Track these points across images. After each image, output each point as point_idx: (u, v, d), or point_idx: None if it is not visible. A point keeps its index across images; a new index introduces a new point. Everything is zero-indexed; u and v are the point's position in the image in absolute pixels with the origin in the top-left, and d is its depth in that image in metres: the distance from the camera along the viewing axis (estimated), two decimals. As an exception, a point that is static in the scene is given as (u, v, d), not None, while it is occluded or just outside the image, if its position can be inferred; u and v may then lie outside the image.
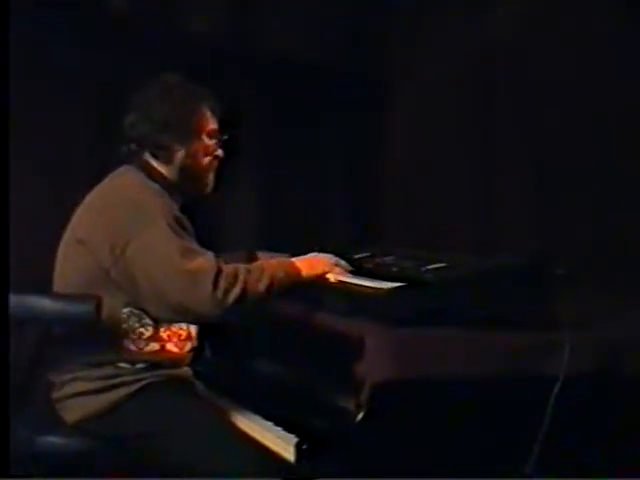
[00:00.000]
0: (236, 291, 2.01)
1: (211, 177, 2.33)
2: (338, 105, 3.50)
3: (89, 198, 2.24)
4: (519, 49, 2.82)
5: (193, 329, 2.27)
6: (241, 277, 2.03)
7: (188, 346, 2.26)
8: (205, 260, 2.04)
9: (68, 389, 2.15)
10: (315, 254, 2.23)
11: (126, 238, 2.06)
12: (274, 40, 3.29)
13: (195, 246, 2.09)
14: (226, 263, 2.07)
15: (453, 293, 2.07)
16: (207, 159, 2.30)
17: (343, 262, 2.27)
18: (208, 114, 2.30)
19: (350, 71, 3.40)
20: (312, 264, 2.18)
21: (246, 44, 3.25)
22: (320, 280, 2.19)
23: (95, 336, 2.11)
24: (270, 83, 3.36)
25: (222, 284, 2.00)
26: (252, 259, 2.49)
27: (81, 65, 2.98)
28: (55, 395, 2.17)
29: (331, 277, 2.21)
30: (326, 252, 2.28)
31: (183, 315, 2.09)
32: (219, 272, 2.01)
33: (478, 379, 2.00)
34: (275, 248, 2.50)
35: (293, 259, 2.18)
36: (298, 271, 2.15)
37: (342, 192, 3.58)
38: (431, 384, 1.96)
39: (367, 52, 3.41)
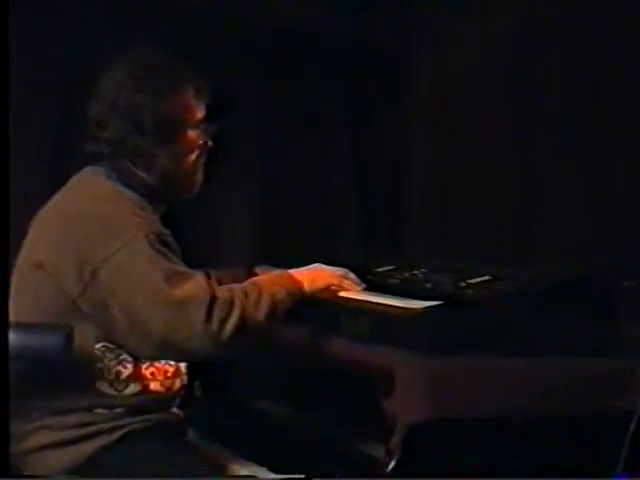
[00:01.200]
0: (233, 321, 1.96)
1: (199, 175, 2.26)
2: (351, 87, 3.47)
3: (47, 210, 2.16)
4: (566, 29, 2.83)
5: (182, 364, 2.21)
6: (237, 303, 1.98)
7: (176, 385, 2.20)
8: (195, 285, 1.98)
9: (32, 441, 2.10)
10: (317, 265, 2.21)
11: (97, 260, 2.00)
12: (273, 5, 3.23)
13: (182, 267, 2.04)
14: (219, 283, 2.05)
15: (500, 313, 2.02)
16: (194, 155, 2.23)
17: (352, 275, 2.24)
18: (193, 101, 2.21)
19: (367, 53, 3.41)
20: (313, 276, 2.16)
21: (238, 9, 3.20)
22: (334, 298, 2.17)
23: (64, 376, 2.03)
24: (271, 58, 3.30)
25: (217, 314, 1.95)
26: (250, 276, 2.41)
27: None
28: (16, 449, 2.07)
29: (348, 294, 2.18)
30: (340, 266, 2.25)
31: (169, 352, 2.05)
32: (213, 299, 1.96)
33: (533, 418, 1.95)
34: (278, 262, 2.41)
35: (291, 271, 2.15)
36: (300, 286, 2.12)
37: (358, 193, 3.52)
38: (476, 425, 1.93)
39: (386, 34, 3.40)
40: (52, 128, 3.01)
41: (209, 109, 2.24)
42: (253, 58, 3.31)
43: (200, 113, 2.22)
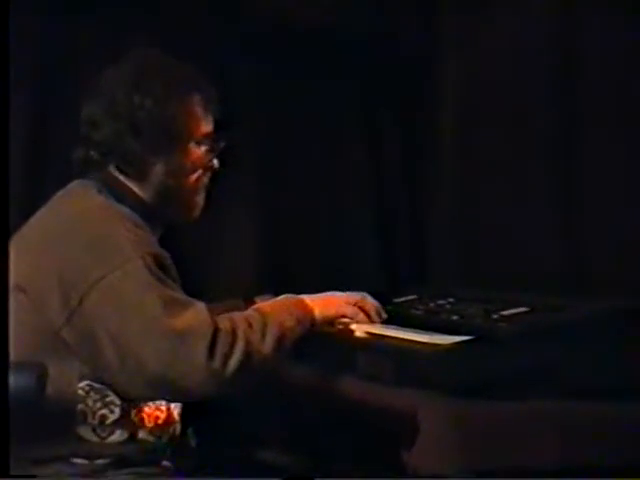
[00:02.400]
0: (237, 356, 1.93)
1: (201, 197, 2.24)
2: (372, 96, 3.47)
3: (28, 228, 2.14)
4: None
5: (175, 409, 2.17)
6: (241, 334, 1.95)
7: (168, 433, 2.15)
8: (197, 315, 1.96)
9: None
10: (331, 293, 2.20)
11: (85, 285, 1.97)
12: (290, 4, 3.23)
13: (181, 295, 2.01)
14: (217, 314, 2.02)
15: (539, 350, 2.00)
16: (196, 175, 2.21)
17: (371, 300, 2.23)
18: (200, 112, 2.19)
19: (388, 70, 3.40)
20: (327, 302, 2.16)
21: (252, 7, 3.19)
22: (349, 331, 2.17)
23: (39, 421, 1.98)
24: (285, 64, 3.29)
25: (220, 349, 1.92)
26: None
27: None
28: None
29: (364, 328, 2.18)
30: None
31: (164, 391, 2.00)
32: (216, 332, 1.93)
33: (578, 471, 1.90)
34: (285, 292, 2.36)
35: (302, 296, 2.14)
36: (311, 312, 2.11)
37: (376, 213, 3.50)
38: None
39: (412, 35, 3.40)
40: (33, 136, 3.02)
41: (218, 124, 2.23)
42: (268, 71, 3.32)
43: (207, 127, 2.21)
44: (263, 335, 1.98)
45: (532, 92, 3.01)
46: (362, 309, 2.19)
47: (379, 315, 2.22)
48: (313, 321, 2.09)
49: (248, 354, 1.94)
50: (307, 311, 2.09)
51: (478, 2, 3.20)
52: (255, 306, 2.15)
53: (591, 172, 2.84)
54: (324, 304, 2.13)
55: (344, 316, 2.16)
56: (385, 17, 3.35)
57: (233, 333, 1.94)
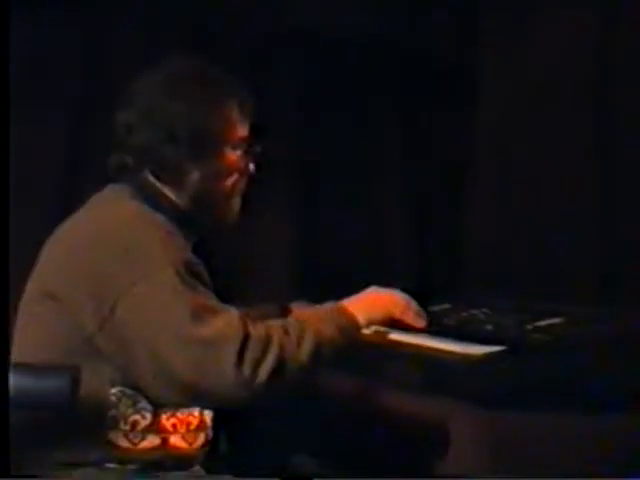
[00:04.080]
0: (269, 363, 1.91)
1: (236, 202, 2.23)
2: (407, 100, 3.49)
3: (61, 234, 2.14)
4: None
5: (207, 415, 2.16)
6: (275, 341, 1.94)
7: (200, 439, 2.14)
8: (227, 321, 1.96)
9: (34, 499, 2.10)
10: (372, 289, 2.17)
11: (117, 292, 1.97)
12: (329, 10, 3.24)
13: (213, 302, 2.00)
14: (253, 321, 2.01)
15: (575, 361, 2.00)
16: (232, 179, 2.20)
17: (414, 303, 2.20)
18: (236, 116, 2.18)
19: (427, 84, 3.44)
20: (370, 305, 2.12)
21: (294, 13, 3.21)
22: (382, 340, 2.16)
23: (70, 425, 2.00)
24: (321, 68, 3.33)
25: (250, 355, 1.91)
26: (286, 314, 2.40)
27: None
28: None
29: (397, 335, 2.17)
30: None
31: (197, 399, 2.00)
32: (246, 338, 1.92)
33: None
34: (317, 298, 2.36)
35: (343, 302, 2.11)
36: (353, 319, 2.07)
37: (410, 219, 3.52)
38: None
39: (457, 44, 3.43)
40: (68, 142, 3.05)
41: (253, 128, 2.22)
42: (302, 77, 3.35)
43: (243, 131, 2.20)
44: (299, 342, 1.97)
45: (567, 101, 3.01)
46: (408, 308, 2.17)
47: (423, 319, 2.18)
48: (357, 327, 2.07)
49: (282, 361, 1.92)
50: (349, 318, 2.06)
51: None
52: (294, 314, 2.14)
53: (628, 180, 2.83)
54: (368, 306, 2.11)
55: (392, 317, 2.13)
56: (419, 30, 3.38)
57: (267, 339, 1.93)
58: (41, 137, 2.98)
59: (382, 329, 2.15)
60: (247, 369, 1.90)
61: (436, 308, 2.40)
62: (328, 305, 2.11)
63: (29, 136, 2.90)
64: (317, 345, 1.98)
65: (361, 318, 2.07)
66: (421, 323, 2.17)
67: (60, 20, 2.99)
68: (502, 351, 1.99)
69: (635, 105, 2.82)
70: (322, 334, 2.00)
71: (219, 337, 1.92)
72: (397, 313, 2.13)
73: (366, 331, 2.12)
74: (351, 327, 2.06)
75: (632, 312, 2.22)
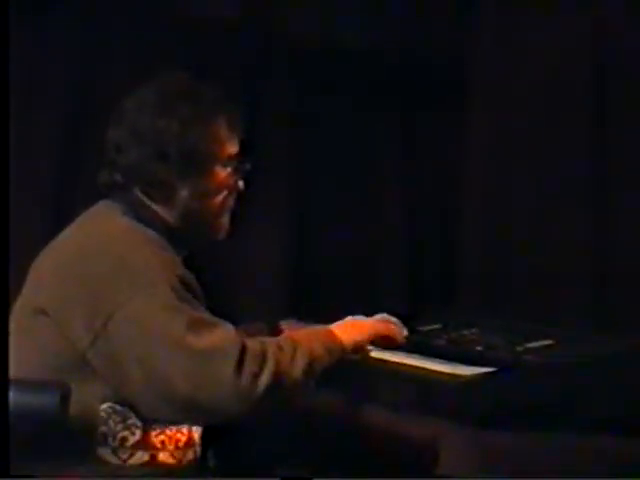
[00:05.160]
0: (266, 376, 1.93)
1: (226, 218, 2.24)
2: (400, 114, 3.50)
3: (51, 250, 2.14)
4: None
5: (196, 432, 2.16)
6: (271, 356, 1.95)
7: (188, 456, 2.13)
8: (223, 335, 1.97)
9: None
10: (354, 318, 2.20)
11: (110, 307, 1.97)
12: (317, 23, 3.24)
13: (208, 316, 2.01)
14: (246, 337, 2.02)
15: (565, 383, 2.00)
16: (221, 196, 2.20)
17: (394, 319, 2.24)
18: (225, 133, 2.19)
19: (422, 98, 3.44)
20: (355, 329, 2.15)
21: (279, 28, 3.20)
22: (372, 360, 2.17)
23: (60, 441, 1.97)
24: (310, 80, 3.31)
25: (248, 367, 1.92)
26: (275, 332, 2.42)
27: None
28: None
29: (387, 356, 2.19)
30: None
31: (193, 414, 2.01)
32: (243, 351, 1.93)
33: None
34: (307, 316, 2.44)
35: (330, 326, 2.13)
36: (339, 342, 2.10)
37: (401, 239, 3.51)
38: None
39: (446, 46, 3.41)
40: (57, 158, 3.03)
41: (242, 145, 2.23)
42: (293, 90, 3.33)
43: (232, 148, 2.20)
44: (293, 358, 1.98)
45: (564, 112, 3.02)
46: (389, 326, 2.20)
47: (404, 333, 2.22)
48: (343, 351, 2.09)
49: (278, 375, 1.94)
50: (336, 342, 2.08)
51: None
52: (284, 334, 2.16)
53: (622, 201, 2.85)
54: (353, 331, 2.13)
55: (374, 340, 2.16)
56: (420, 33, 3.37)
57: (262, 353, 1.94)
58: (33, 150, 2.98)
59: (374, 351, 2.17)
60: (245, 381, 1.90)
61: (427, 328, 2.40)
62: (317, 328, 2.13)
63: (22, 149, 2.91)
64: (309, 362, 2.00)
65: (347, 342, 2.09)
66: (403, 337, 2.21)
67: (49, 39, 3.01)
68: (491, 372, 1.99)
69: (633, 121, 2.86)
70: (313, 353, 2.01)
71: (217, 350, 1.92)
72: (380, 330, 2.16)
73: (356, 355, 2.13)
74: (339, 350, 2.07)
75: (623, 335, 2.22)
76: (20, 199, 2.71)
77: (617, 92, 2.90)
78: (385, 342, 2.20)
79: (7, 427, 1.84)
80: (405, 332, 2.23)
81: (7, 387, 1.86)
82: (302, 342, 2.03)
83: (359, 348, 2.13)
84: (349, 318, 2.19)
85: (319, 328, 2.13)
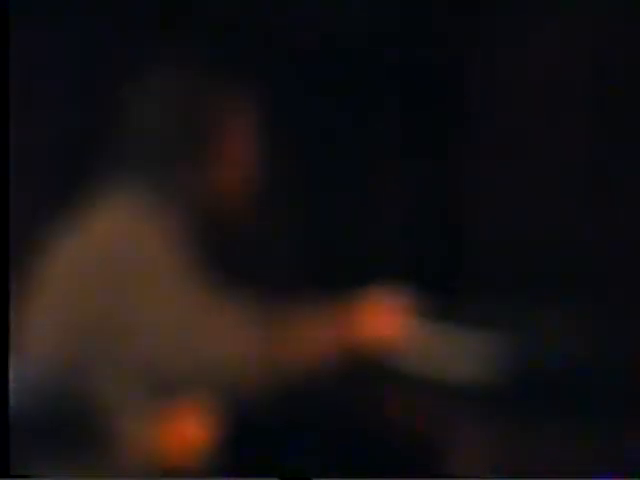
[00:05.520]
0: (273, 361, 2.01)
1: (236, 210, 2.26)
2: (405, 109, 3.48)
3: (59, 247, 2.15)
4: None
5: (196, 429, 2.16)
6: (276, 347, 2.02)
7: (189, 453, 2.15)
8: (234, 318, 2.04)
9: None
10: (359, 308, 2.20)
11: (118, 295, 2.04)
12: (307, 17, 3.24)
13: (219, 300, 2.06)
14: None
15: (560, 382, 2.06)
16: (230, 189, 2.23)
17: (395, 317, 2.23)
18: (233, 127, 2.21)
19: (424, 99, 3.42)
20: (353, 326, 2.16)
21: (293, 24, 3.22)
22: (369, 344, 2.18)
23: (60, 435, 2.05)
24: (316, 80, 3.33)
25: (255, 349, 2.00)
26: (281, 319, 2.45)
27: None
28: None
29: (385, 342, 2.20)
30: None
31: (201, 395, 2.03)
32: (252, 334, 2.01)
33: None
34: (314, 298, 2.40)
35: (336, 319, 2.16)
36: (348, 336, 2.13)
37: (400, 238, 3.48)
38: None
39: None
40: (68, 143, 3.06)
41: (250, 139, 2.24)
42: (301, 89, 3.35)
43: (240, 142, 2.22)
44: (298, 349, 2.04)
45: (565, 118, 3.01)
46: (391, 319, 2.20)
47: (402, 335, 2.23)
48: (350, 343, 2.11)
49: (284, 362, 2.01)
50: (348, 329, 2.12)
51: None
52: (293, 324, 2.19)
53: (620, 199, 2.84)
54: (353, 329, 2.15)
55: (380, 330, 2.17)
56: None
57: (270, 338, 2.01)
58: (38, 142, 3.02)
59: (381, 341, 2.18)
60: (252, 363, 1.97)
61: (427, 324, 2.38)
62: (323, 322, 2.14)
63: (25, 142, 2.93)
64: (316, 355, 2.05)
65: (349, 339, 2.11)
66: (404, 339, 2.21)
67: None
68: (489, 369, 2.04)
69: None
70: (319, 345, 2.06)
71: (226, 333, 1.99)
72: (382, 330, 2.16)
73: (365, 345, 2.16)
74: (349, 337, 2.11)
75: (623, 326, 2.27)
76: (18, 198, 2.77)
77: (617, 92, 2.88)
78: (385, 339, 2.20)
79: (7, 427, 1.86)
80: (404, 329, 2.22)
81: (7, 387, 1.87)
82: (309, 331, 2.07)
83: (367, 339, 2.14)
84: (348, 312, 2.18)
85: (330, 315, 2.14)
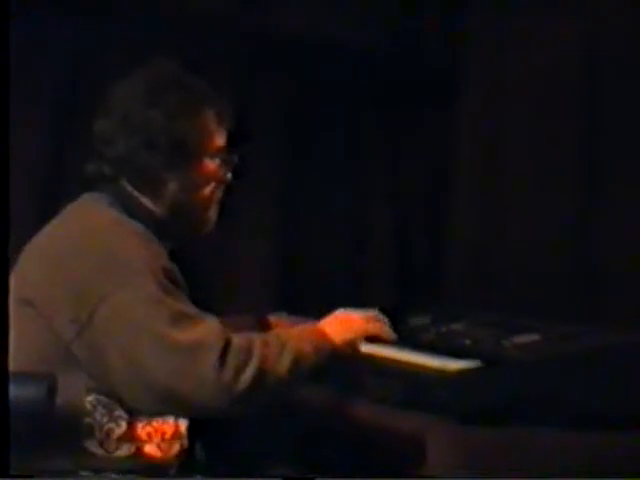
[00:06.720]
0: (250, 372, 1.93)
1: (213, 211, 2.25)
2: (390, 112, 3.50)
3: (37, 242, 2.15)
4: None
5: (182, 424, 2.17)
6: (256, 352, 1.96)
7: (175, 448, 2.15)
8: (207, 329, 1.98)
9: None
10: (342, 311, 2.19)
11: (95, 299, 1.98)
12: (306, 17, 3.22)
13: (193, 309, 2.02)
14: (232, 331, 2.02)
15: (551, 378, 1.99)
16: (209, 188, 2.21)
17: (383, 318, 2.24)
18: (214, 125, 2.20)
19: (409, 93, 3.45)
20: (344, 327, 2.14)
21: (268, 21, 3.19)
22: (360, 355, 2.15)
23: (46, 432, 1.98)
24: (300, 76, 3.33)
25: (231, 362, 1.92)
26: (263, 325, 2.45)
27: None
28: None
29: (375, 350, 2.18)
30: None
31: (174, 406, 2.01)
32: (227, 345, 1.94)
33: None
34: (296, 309, 2.46)
35: (320, 324, 2.14)
36: (329, 340, 2.10)
37: (390, 233, 3.51)
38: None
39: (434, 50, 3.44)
40: (45, 149, 3.03)
41: (231, 137, 2.24)
42: (283, 83, 3.33)
43: (220, 140, 2.21)
44: (279, 355, 1.99)
45: (554, 117, 3.03)
46: (378, 324, 2.20)
47: (392, 333, 2.22)
48: (334, 349, 2.09)
49: (262, 372, 1.94)
50: (326, 340, 2.08)
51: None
52: (274, 331, 2.18)
53: (608, 199, 2.86)
54: (343, 328, 2.13)
55: (364, 335, 2.15)
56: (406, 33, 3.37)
57: (248, 349, 1.94)
58: (21, 141, 2.96)
59: (365, 345, 2.16)
60: (227, 375, 1.91)
61: (416, 322, 2.40)
62: (305, 325, 2.15)
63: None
64: (296, 360, 2.00)
65: (338, 339, 2.10)
66: (393, 337, 2.21)
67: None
68: (479, 367, 1.99)
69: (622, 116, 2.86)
70: (301, 350, 2.02)
71: (199, 344, 1.93)
72: (371, 330, 2.16)
73: (347, 350, 2.13)
74: (328, 349, 2.08)
75: (611, 331, 2.22)
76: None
77: (613, 92, 2.91)
78: (374, 340, 2.19)
79: (7, 427, 1.85)
80: (393, 333, 2.22)
81: (7, 388, 1.86)
82: (290, 339, 2.03)
83: (349, 346, 2.13)
84: (339, 311, 2.18)
85: (309, 326, 2.14)
